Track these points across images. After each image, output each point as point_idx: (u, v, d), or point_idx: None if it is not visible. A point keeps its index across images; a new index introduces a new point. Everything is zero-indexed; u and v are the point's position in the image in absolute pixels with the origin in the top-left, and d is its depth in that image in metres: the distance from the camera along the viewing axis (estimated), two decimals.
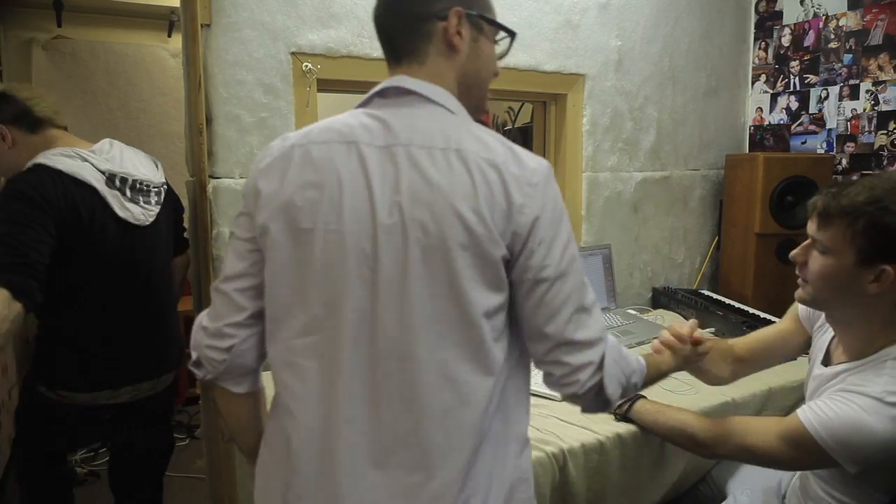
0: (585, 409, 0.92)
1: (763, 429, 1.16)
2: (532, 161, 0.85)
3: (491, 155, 0.82)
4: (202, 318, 0.95)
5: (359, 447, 0.82)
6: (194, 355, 0.95)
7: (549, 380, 0.88)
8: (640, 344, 2.00)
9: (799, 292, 1.18)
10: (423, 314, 0.80)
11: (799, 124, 2.65)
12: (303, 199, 0.83)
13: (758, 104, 2.80)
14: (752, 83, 2.81)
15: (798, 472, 1.30)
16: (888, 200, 1.03)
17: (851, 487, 1.13)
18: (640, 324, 2.17)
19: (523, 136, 3.02)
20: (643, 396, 1.41)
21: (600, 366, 0.86)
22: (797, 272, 1.17)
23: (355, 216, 0.81)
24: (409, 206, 0.79)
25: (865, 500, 1.13)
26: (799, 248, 1.16)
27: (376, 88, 0.91)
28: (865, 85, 2.41)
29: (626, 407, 1.40)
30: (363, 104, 0.92)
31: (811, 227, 1.13)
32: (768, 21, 2.73)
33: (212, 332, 0.93)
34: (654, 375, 1.09)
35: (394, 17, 0.91)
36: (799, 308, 1.35)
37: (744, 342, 1.43)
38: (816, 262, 1.12)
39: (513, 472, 0.87)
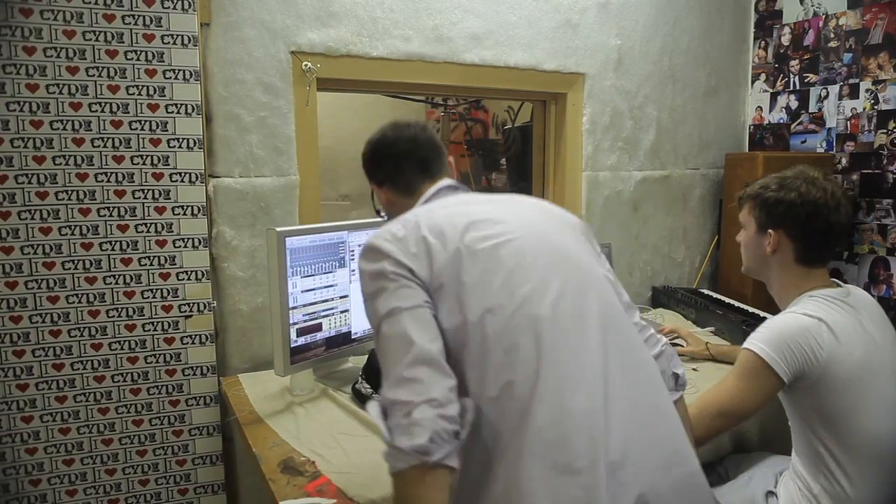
0: None
1: (723, 383, 1.34)
2: None
3: None
4: (416, 395, 0.84)
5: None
6: (424, 438, 0.81)
7: None
8: None
9: (743, 267, 1.52)
10: None
11: (799, 123, 2.65)
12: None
13: (757, 103, 2.80)
14: (752, 82, 2.81)
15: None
16: (771, 185, 1.38)
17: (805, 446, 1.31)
18: None
19: (523, 136, 3.01)
20: None
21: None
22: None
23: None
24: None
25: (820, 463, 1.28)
26: (742, 233, 1.48)
27: (440, 188, 1.14)
28: (865, 84, 2.41)
29: None
30: (431, 199, 1.12)
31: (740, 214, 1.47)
32: (768, 20, 2.72)
33: (441, 402, 0.84)
34: None
35: (434, 152, 1.18)
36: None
37: None
38: (740, 237, 1.48)
39: None
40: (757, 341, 1.29)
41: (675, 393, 1.12)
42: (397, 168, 1.16)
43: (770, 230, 1.38)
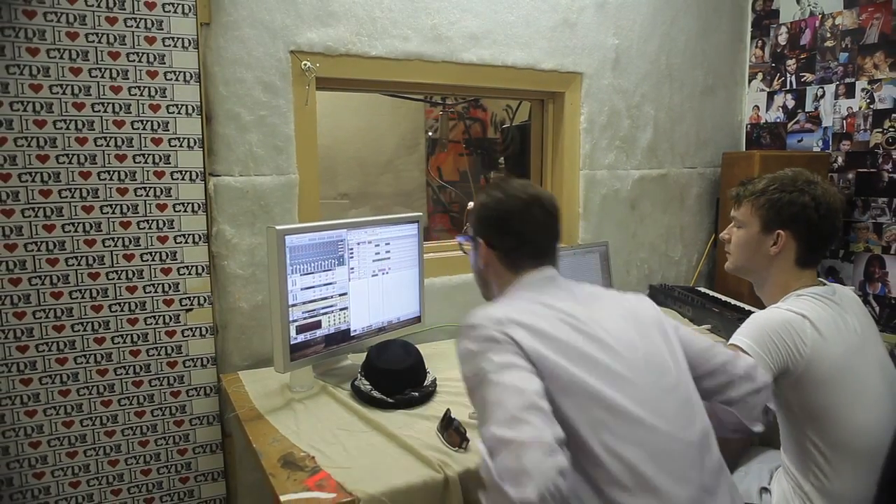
0: None
1: None
2: None
3: None
4: (527, 434, 0.84)
5: None
6: (533, 494, 0.78)
7: None
8: None
9: (727, 263, 1.51)
10: None
11: (795, 122, 2.67)
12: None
13: (754, 102, 2.81)
14: (749, 81, 2.82)
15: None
16: (779, 185, 1.39)
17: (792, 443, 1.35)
18: None
19: (521, 134, 3.03)
20: None
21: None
22: (725, 250, 1.51)
23: None
24: None
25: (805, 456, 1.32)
26: (725, 229, 1.51)
27: (541, 278, 1.15)
28: (861, 83, 2.43)
29: None
30: (529, 288, 1.14)
31: (732, 211, 1.47)
32: (765, 19, 2.74)
33: (552, 447, 0.84)
34: None
35: (554, 241, 1.20)
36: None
37: None
38: (735, 235, 1.47)
39: None
40: (742, 336, 1.31)
41: None
42: (517, 246, 1.16)
43: (779, 230, 1.38)
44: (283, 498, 1.10)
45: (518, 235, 1.16)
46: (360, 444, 1.32)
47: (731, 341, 1.33)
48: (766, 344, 1.27)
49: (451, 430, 1.30)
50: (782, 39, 2.68)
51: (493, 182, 1.20)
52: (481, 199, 1.22)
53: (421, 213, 1.89)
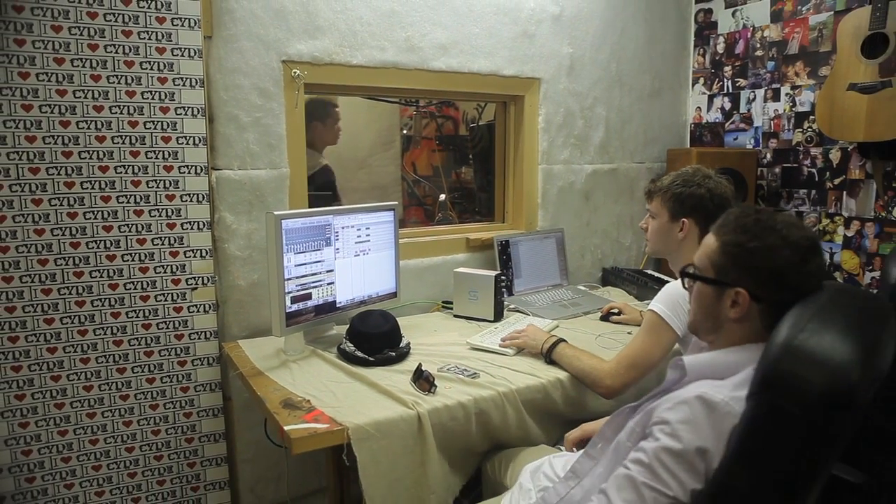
0: None
1: (633, 340, 1.64)
2: None
3: None
4: None
5: None
6: None
7: None
8: (585, 314, 2.31)
9: (647, 248, 1.82)
10: None
11: (731, 122, 2.99)
12: None
13: (697, 104, 3.13)
14: (692, 85, 3.14)
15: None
16: (681, 181, 1.69)
17: None
18: (587, 297, 2.49)
19: (489, 132, 3.30)
20: (564, 340, 1.75)
21: None
22: (646, 237, 1.81)
23: None
24: None
25: None
26: (643, 220, 1.81)
27: None
28: (785, 88, 2.76)
29: (549, 349, 1.72)
30: None
31: (647, 204, 1.79)
32: (706, 30, 3.05)
33: None
34: None
35: None
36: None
37: None
38: (650, 224, 1.77)
39: None
40: (656, 302, 1.60)
41: None
42: (791, 300, 0.98)
43: (683, 219, 1.68)
44: (286, 428, 1.36)
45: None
46: (346, 391, 1.58)
47: (649, 307, 1.63)
48: (675, 307, 1.56)
49: (422, 380, 1.58)
50: (720, 48, 3.00)
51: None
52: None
53: (396, 203, 2.15)
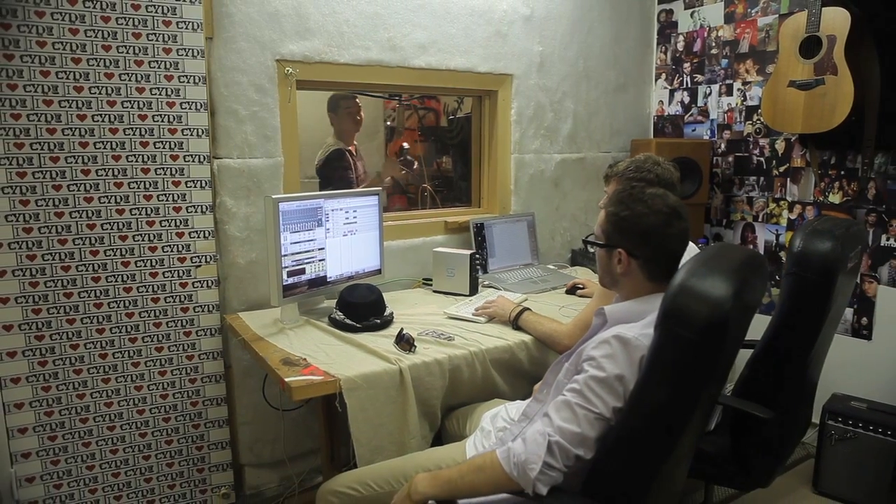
0: None
1: (588, 305, 1.86)
2: None
3: None
4: None
5: None
6: None
7: None
8: (553, 289, 2.56)
9: None
10: None
11: (690, 115, 3.24)
12: None
13: (659, 98, 3.38)
14: (655, 80, 3.38)
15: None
16: (634, 168, 1.88)
17: None
18: (555, 275, 2.73)
19: (468, 123, 3.53)
20: (529, 309, 1.99)
21: None
22: None
23: None
24: None
25: None
26: (602, 200, 1.94)
27: None
28: (737, 84, 3.01)
29: (515, 316, 1.97)
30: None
31: (605, 186, 1.99)
32: (667, 29, 3.30)
33: None
34: None
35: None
36: None
37: None
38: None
39: None
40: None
41: None
42: (658, 256, 1.29)
43: None
44: (287, 379, 1.59)
45: (662, 249, 1.30)
46: (337, 351, 1.81)
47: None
48: None
49: (403, 342, 1.81)
50: (680, 46, 3.25)
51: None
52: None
53: (380, 188, 2.37)
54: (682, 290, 1.06)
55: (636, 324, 1.22)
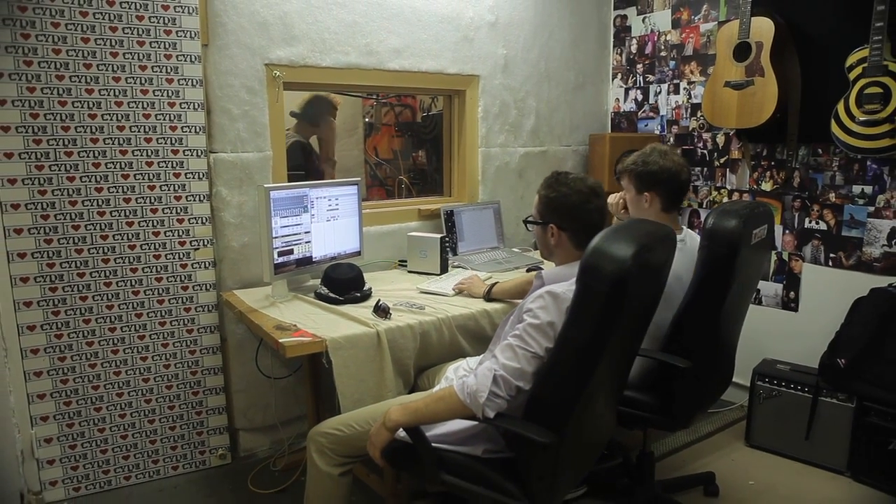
0: None
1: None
2: None
3: None
4: None
5: None
6: None
7: None
8: (515, 269, 2.85)
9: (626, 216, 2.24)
10: None
11: (643, 111, 3.55)
12: None
13: (616, 96, 3.68)
14: (612, 80, 3.69)
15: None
16: (638, 161, 2.09)
17: None
18: (518, 257, 3.03)
19: (442, 119, 3.81)
20: (497, 282, 2.28)
21: None
22: (622, 209, 2.28)
23: None
24: None
25: None
26: (618, 197, 2.28)
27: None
28: (683, 84, 3.32)
29: (488, 290, 2.26)
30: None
31: (620, 181, 2.21)
32: (622, 33, 3.60)
33: None
34: None
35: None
36: None
37: None
38: (626, 196, 2.19)
39: None
40: None
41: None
42: (581, 228, 1.60)
43: (646, 192, 2.10)
44: (281, 340, 1.86)
45: (582, 222, 1.61)
46: (323, 319, 2.08)
47: None
48: None
49: (380, 310, 2.09)
50: (633, 49, 3.55)
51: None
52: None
53: (359, 178, 2.65)
54: (594, 251, 1.36)
55: (566, 282, 1.52)
